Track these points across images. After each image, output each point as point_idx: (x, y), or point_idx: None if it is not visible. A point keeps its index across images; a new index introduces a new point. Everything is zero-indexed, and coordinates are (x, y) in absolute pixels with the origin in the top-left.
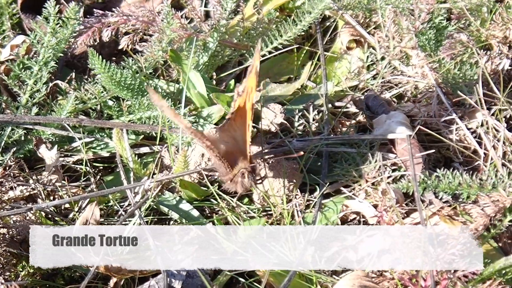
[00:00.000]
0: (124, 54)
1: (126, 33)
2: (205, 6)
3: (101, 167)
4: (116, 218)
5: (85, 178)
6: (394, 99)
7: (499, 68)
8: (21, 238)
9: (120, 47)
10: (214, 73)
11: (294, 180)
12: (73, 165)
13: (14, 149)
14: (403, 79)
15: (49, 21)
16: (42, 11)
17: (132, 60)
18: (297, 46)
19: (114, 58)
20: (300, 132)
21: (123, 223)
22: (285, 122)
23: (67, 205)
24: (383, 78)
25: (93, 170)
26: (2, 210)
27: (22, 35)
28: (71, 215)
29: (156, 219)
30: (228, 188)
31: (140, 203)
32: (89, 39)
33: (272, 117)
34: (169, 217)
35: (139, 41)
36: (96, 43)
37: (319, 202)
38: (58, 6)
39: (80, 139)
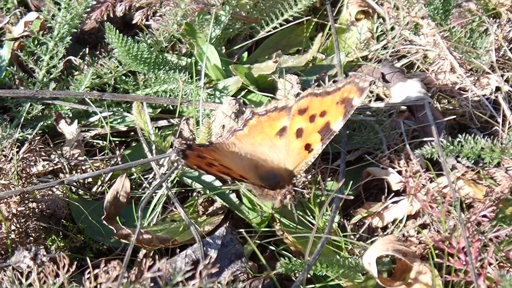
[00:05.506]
0: (132, 29)
1: (139, 8)
2: None
3: (117, 142)
4: (140, 190)
5: (103, 153)
6: (404, 69)
7: (510, 35)
8: (50, 212)
9: (134, 22)
10: (224, 47)
11: None
12: (90, 140)
13: (41, 123)
14: (413, 49)
15: None
16: None
17: (146, 34)
18: (307, 18)
19: (122, 34)
20: None
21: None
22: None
23: (89, 179)
24: (393, 48)
25: (111, 144)
26: (30, 185)
27: (33, 11)
28: (94, 189)
29: (180, 191)
30: (263, 200)
31: (168, 174)
32: (102, 14)
33: (289, 88)
34: (192, 188)
35: (152, 15)
36: (105, 18)
37: (342, 170)
38: None
39: (101, 113)
